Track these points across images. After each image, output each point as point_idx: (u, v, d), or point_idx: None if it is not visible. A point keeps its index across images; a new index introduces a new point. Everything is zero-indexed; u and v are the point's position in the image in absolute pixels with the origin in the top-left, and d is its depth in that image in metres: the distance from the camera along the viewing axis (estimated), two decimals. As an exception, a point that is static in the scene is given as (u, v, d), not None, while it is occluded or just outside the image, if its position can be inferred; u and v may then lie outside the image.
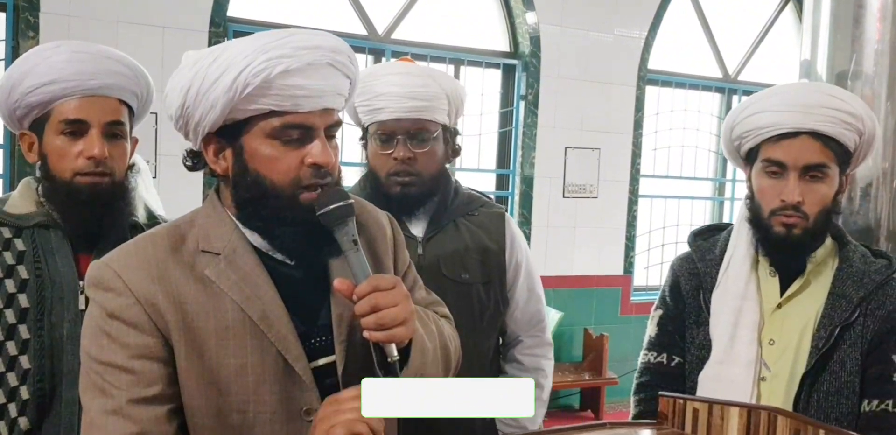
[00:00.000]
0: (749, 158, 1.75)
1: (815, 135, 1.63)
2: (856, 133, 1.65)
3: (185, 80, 1.21)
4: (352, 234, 1.20)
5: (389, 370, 1.19)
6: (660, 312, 1.86)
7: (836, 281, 1.69)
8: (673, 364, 1.81)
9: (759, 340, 1.70)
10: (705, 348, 1.75)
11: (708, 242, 1.85)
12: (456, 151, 2.02)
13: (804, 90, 1.72)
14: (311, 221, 1.20)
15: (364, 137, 2.00)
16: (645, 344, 1.87)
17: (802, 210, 1.64)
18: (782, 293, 1.73)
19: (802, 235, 1.66)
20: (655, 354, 1.84)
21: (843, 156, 1.67)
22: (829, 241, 1.75)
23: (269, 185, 1.21)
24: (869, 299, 1.67)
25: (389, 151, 1.90)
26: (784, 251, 1.70)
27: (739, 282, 1.73)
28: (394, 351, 1.17)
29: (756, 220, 1.72)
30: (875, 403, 1.62)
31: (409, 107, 1.88)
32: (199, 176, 4.33)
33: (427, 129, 1.91)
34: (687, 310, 1.81)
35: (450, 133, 1.99)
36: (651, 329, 1.87)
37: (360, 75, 1.93)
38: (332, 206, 1.19)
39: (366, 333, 1.16)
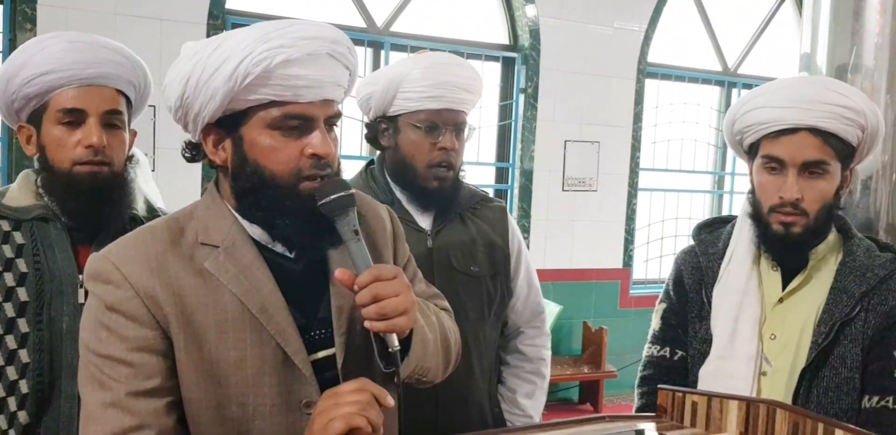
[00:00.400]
0: (751, 152, 1.73)
1: (815, 131, 1.61)
2: (858, 128, 1.62)
3: (184, 70, 1.20)
4: (353, 224, 1.20)
5: (390, 361, 1.19)
6: (663, 305, 1.86)
7: (839, 275, 1.68)
8: (676, 358, 1.81)
9: (760, 335, 1.69)
10: (707, 343, 1.75)
11: (712, 236, 1.84)
12: None
13: (804, 85, 1.70)
14: (311, 210, 1.20)
15: (381, 125, 1.94)
16: (649, 337, 1.88)
17: (801, 207, 1.62)
18: (784, 288, 1.72)
19: (802, 233, 1.64)
20: (659, 347, 1.84)
21: (845, 151, 1.64)
22: (832, 234, 1.73)
23: (269, 175, 1.20)
24: (871, 294, 1.65)
25: (435, 141, 1.88)
26: (784, 249, 1.68)
27: (741, 277, 1.72)
28: (395, 341, 1.17)
29: (756, 215, 1.71)
30: (875, 399, 1.61)
31: (460, 99, 1.89)
32: (197, 169, 4.33)
33: (465, 123, 1.93)
34: (689, 304, 1.80)
35: None
36: (655, 322, 1.87)
37: (411, 62, 1.93)
38: (333, 196, 1.19)
39: (367, 323, 1.16)
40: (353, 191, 1.22)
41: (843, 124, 1.61)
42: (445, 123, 1.88)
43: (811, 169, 1.62)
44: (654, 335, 1.86)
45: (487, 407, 2.02)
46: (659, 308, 1.87)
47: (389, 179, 1.97)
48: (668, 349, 1.83)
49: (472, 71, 1.96)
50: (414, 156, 1.90)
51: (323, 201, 1.19)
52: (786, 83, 1.72)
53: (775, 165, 1.65)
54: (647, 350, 1.87)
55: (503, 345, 2.15)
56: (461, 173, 1.99)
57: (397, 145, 1.92)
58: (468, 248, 1.97)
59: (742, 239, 1.75)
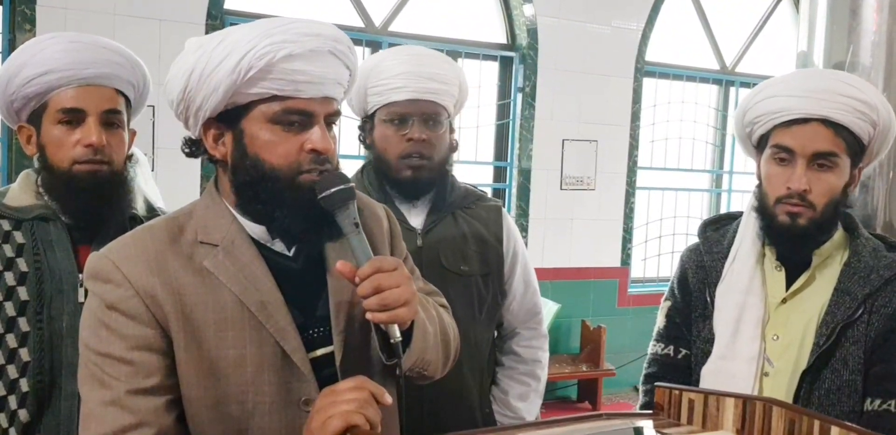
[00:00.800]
0: (760, 146, 1.71)
1: (827, 122, 1.59)
2: (869, 124, 1.60)
3: (188, 64, 1.21)
4: (353, 216, 1.21)
5: (392, 352, 1.20)
6: (668, 303, 1.85)
7: (843, 276, 1.66)
8: (680, 356, 1.81)
9: (762, 336, 1.68)
10: (710, 342, 1.73)
11: (717, 234, 1.83)
12: (454, 147, 2.02)
13: (819, 76, 1.69)
14: (311, 202, 1.20)
15: (366, 125, 1.96)
16: (653, 335, 1.87)
17: (808, 199, 1.60)
18: (788, 288, 1.70)
19: (807, 226, 1.62)
20: (663, 345, 1.83)
21: (855, 147, 1.62)
22: (838, 233, 1.71)
23: (269, 168, 1.21)
24: (875, 296, 1.63)
25: (404, 133, 1.88)
26: (788, 241, 1.66)
27: (744, 276, 1.71)
28: (396, 332, 1.18)
29: (762, 207, 1.69)
30: (878, 402, 1.59)
31: (426, 88, 1.87)
32: (196, 169, 4.32)
33: (439, 114, 1.91)
34: (693, 303, 1.79)
35: (451, 126, 1.99)
36: (660, 320, 1.86)
37: (375, 57, 1.94)
38: (333, 189, 1.20)
39: (368, 315, 1.17)
40: (352, 184, 1.22)
41: (855, 117, 1.59)
42: (413, 115, 1.87)
43: (820, 160, 1.60)
44: (658, 333, 1.86)
45: (477, 408, 2.00)
46: (664, 306, 1.86)
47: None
48: (672, 347, 1.82)
49: (440, 60, 1.94)
50: (386, 149, 1.90)
51: (323, 195, 1.20)
52: (801, 74, 1.71)
53: (785, 156, 1.63)
54: (652, 348, 1.86)
55: (499, 346, 2.14)
56: (448, 167, 1.97)
57: (373, 142, 1.94)
58: (459, 246, 1.96)
59: (747, 235, 1.74)
